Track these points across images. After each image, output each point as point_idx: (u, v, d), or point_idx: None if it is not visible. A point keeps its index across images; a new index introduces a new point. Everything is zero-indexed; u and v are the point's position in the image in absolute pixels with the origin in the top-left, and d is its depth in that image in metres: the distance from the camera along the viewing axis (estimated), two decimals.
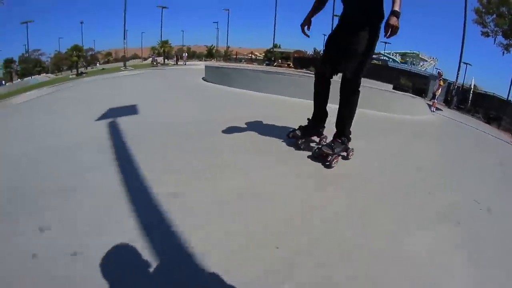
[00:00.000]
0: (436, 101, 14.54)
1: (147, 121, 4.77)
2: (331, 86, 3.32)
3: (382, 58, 71.44)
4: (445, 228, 2.39)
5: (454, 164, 4.52)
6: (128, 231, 1.87)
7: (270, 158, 3.30)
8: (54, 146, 3.52)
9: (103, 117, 4.89)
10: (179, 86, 10.90)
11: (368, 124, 5.60)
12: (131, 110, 5.54)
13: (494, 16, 24.65)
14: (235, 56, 65.66)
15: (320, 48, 72.14)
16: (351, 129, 3.22)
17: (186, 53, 52.50)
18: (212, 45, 66.12)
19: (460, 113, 18.80)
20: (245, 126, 4.19)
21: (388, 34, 2.63)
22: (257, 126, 4.19)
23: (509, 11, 23.80)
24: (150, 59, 49.60)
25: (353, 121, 3.17)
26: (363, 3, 2.92)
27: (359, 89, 3.00)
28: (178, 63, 43.63)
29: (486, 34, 26.06)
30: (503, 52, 25.22)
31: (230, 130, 4.00)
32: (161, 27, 53.91)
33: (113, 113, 5.13)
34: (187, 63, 42.08)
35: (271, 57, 50.53)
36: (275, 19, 52.98)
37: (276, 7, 50.11)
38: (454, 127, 10.25)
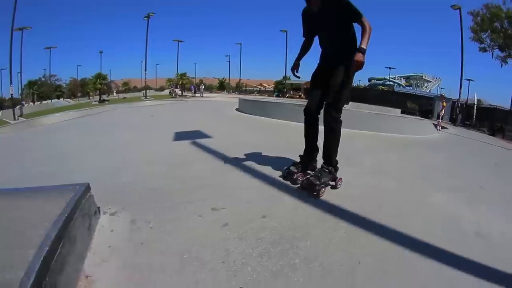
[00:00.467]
0: (441, 120, 16.20)
1: (221, 143, 5.64)
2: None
3: (388, 83, 73.79)
4: (453, 193, 3.92)
5: (454, 165, 6.23)
6: None
7: None
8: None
9: (185, 138, 6.13)
10: (221, 116, 11.81)
11: (383, 143, 7.35)
12: (199, 134, 6.54)
13: (489, 32, 26.16)
14: (245, 88, 67.73)
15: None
16: (337, 158, 3.39)
17: (203, 86, 54.66)
18: (223, 77, 68.29)
19: (466, 129, 20.51)
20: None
21: (354, 69, 2.97)
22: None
23: (502, 26, 25.36)
24: (169, 90, 51.37)
25: (338, 149, 3.35)
26: (339, 45, 3.24)
27: (341, 118, 3.23)
28: (196, 95, 44.89)
29: (483, 50, 27.10)
30: (502, 64, 26.25)
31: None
32: (177, 60, 56.46)
33: (186, 136, 6.24)
34: (204, 95, 43.52)
35: (282, 88, 52.61)
36: (286, 52, 54.21)
37: (286, 40, 51.83)
38: (456, 141, 11.82)
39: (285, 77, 54.84)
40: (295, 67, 3.72)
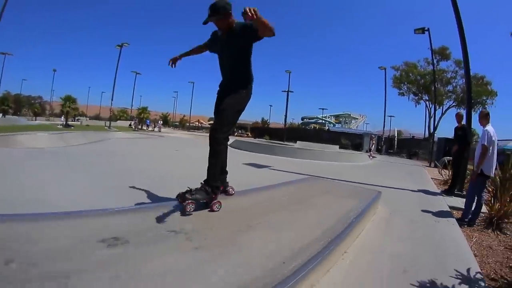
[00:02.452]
0: (371, 152, 21.55)
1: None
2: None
3: (319, 121, 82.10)
4: (388, 180, 8.15)
5: (386, 171, 10.72)
6: None
7: None
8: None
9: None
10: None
11: (340, 167, 11.65)
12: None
13: (406, 83, 35.09)
14: (188, 124, 68.58)
15: (267, 117, 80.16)
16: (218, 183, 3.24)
17: (161, 121, 54.47)
18: (167, 112, 67.95)
19: (389, 156, 26.78)
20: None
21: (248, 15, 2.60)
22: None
23: (415, 79, 34.18)
24: (130, 122, 49.90)
25: (218, 173, 3.27)
26: (234, 74, 3.35)
27: (224, 142, 3.27)
28: (155, 129, 44.20)
29: (402, 94, 37.31)
30: (416, 105, 36.43)
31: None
32: (133, 92, 54.84)
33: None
34: (161, 130, 43.42)
35: None
36: None
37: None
38: (383, 163, 17.23)
39: None
40: (176, 59, 3.79)
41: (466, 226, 4.66)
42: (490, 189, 5.26)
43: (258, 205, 3.54)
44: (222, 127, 3.15)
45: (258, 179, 6.26)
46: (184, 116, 73.84)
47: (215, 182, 3.16)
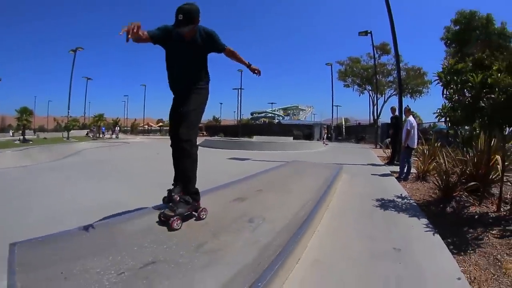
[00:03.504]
0: (324, 139, 24.25)
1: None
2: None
3: (269, 115, 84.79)
4: (342, 156, 10.28)
5: (340, 154, 13.04)
6: None
7: None
8: None
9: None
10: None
11: (303, 154, 13.80)
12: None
13: (351, 76, 39.13)
14: (143, 128, 67.40)
15: (218, 115, 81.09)
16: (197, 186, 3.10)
17: (119, 127, 52.07)
18: (117, 117, 63.95)
19: (339, 143, 29.78)
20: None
21: (257, 73, 3.52)
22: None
23: (359, 72, 38.49)
24: (86, 131, 46.79)
25: (195, 178, 3.09)
26: (193, 73, 3.15)
27: (196, 144, 3.08)
28: (113, 136, 42.81)
29: (347, 86, 40.60)
30: (360, 94, 40.20)
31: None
32: (85, 98, 50.82)
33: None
34: (119, 136, 42.30)
35: None
36: None
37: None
38: (336, 148, 19.85)
39: None
40: (137, 33, 2.57)
41: (402, 181, 6.80)
42: (418, 157, 7.51)
43: (268, 180, 5.31)
44: (192, 128, 3.04)
45: (251, 167, 8.11)
46: (135, 120, 70.98)
47: (193, 188, 3.03)
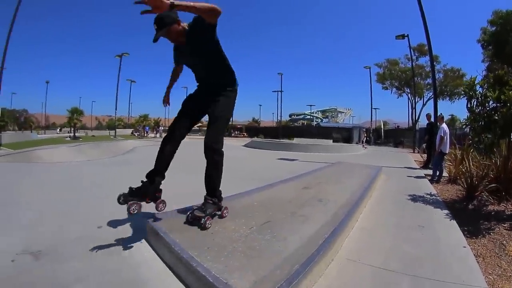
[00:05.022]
0: (363, 143, 25.09)
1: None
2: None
3: (308, 117, 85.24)
4: (381, 160, 11.19)
5: (379, 157, 13.94)
6: None
7: None
8: None
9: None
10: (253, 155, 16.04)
11: (345, 156, 14.81)
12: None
13: (389, 79, 39.25)
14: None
15: (257, 116, 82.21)
16: (220, 189, 3.29)
17: (162, 127, 53.80)
18: (159, 117, 66.42)
19: (377, 146, 30.21)
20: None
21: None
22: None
23: (397, 75, 38.58)
24: (131, 130, 50.15)
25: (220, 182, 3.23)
26: (212, 73, 3.11)
27: (222, 149, 3.08)
28: (157, 135, 44.26)
29: (385, 88, 40.73)
30: (398, 97, 40.57)
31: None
32: (129, 99, 54.53)
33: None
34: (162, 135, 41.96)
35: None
36: None
37: None
38: (375, 151, 20.54)
39: None
40: (167, 98, 3.57)
41: (434, 183, 7.72)
42: (451, 162, 8.37)
43: (322, 176, 6.56)
44: (219, 136, 3.02)
45: (302, 166, 9.40)
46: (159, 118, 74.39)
47: (217, 191, 3.23)
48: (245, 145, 21.26)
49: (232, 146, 22.90)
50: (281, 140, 25.95)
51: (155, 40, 2.70)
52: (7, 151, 13.99)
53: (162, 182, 3.14)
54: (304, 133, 38.15)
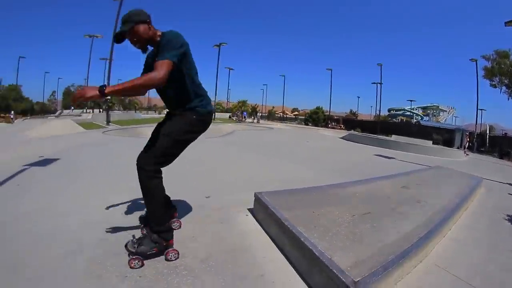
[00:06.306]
0: (465, 149, 23.90)
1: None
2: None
3: (408, 114, 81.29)
4: (480, 170, 11.33)
5: (480, 167, 13.58)
6: None
7: None
8: None
9: None
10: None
11: (434, 160, 14.63)
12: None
13: (498, 75, 33.83)
14: (279, 115, 74.50)
15: (355, 108, 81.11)
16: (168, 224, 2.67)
17: (260, 113, 58.69)
18: (256, 104, 73.18)
19: (481, 155, 27.64)
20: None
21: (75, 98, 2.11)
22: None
23: (507, 70, 32.89)
24: (229, 115, 54.73)
25: (162, 213, 2.58)
26: (171, 96, 2.69)
27: (156, 175, 2.52)
28: (254, 121, 47.16)
29: (494, 86, 35.00)
30: (508, 98, 34.44)
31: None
32: (228, 85, 63.91)
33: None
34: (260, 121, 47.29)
35: (316, 118, 55.44)
36: (330, 88, 64.84)
37: (331, 78, 59.80)
38: (478, 160, 19.42)
39: (318, 108, 58.16)
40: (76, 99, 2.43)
41: None
42: None
43: (421, 178, 6.98)
44: (155, 157, 2.49)
45: (400, 165, 9.91)
46: (273, 107, 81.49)
47: (158, 226, 2.51)
48: (342, 137, 22.06)
49: (330, 137, 23.90)
50: (379, 136, 25.99)
51: (118, 40, 2.48)
52: (116, 127, 18.45)
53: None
54: (402, 131, 36.28)
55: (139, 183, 2.48)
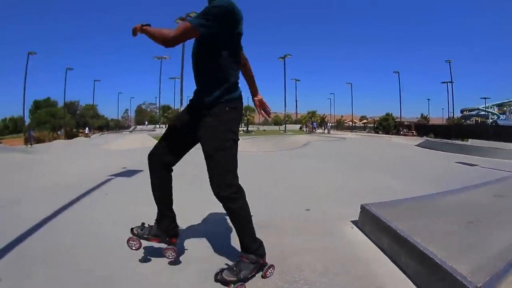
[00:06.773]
0: None
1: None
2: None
3: (482, 113, 74.80)
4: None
5: None
6: None
7: None
8: None
9: None
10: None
11: None
12: None
13: None
14: (348, 124, 73.87)
15: (425, 112, 77.08)
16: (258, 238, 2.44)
17: (330, 124, 58.42)
18: (324, 114, 72.29)
19: None
20: None
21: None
22: None
23: None
24: (300, 126, 55.78)
25: (253, 230, 2.40)
26: (203, 80, 2.35)
27: (236, 195, 2.26)
28: (325, 132, 46.44)
29: None
30: None
31: None
32: (295, 97, 64.95)
33: None
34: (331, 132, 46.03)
35: (387, 125, 53.96)
36: (399, 92, 58.27)
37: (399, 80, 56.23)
38: None
39: (388, 114, 56.68)
40: (258, 107, 2.87)
41: None
42: None
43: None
44: (225, 180, 2.22)
45: (486, 173, 9.22)
46: (342, 116, 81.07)
47: (253, 244, 2.37)
48: (418, 145, 21.43)
49: (405, 145, 23.26)
50: (455, 141, 24.84)
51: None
52: None
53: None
54: (479, 133, 33.83)
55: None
